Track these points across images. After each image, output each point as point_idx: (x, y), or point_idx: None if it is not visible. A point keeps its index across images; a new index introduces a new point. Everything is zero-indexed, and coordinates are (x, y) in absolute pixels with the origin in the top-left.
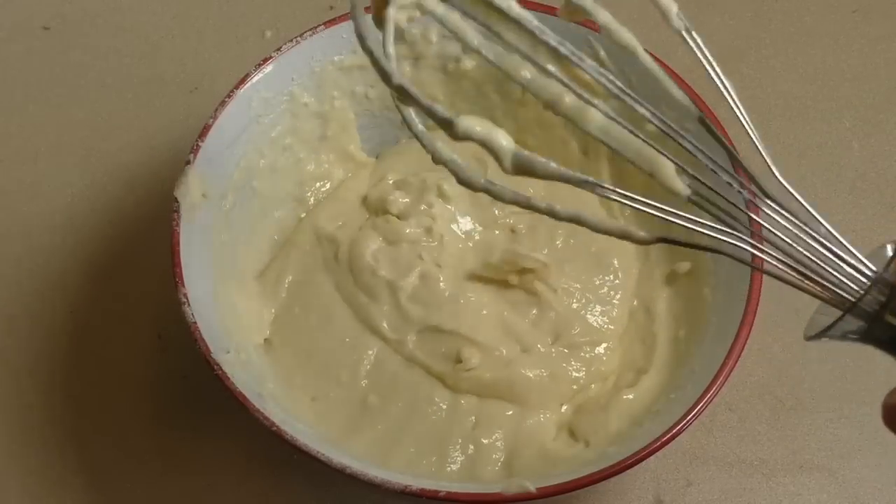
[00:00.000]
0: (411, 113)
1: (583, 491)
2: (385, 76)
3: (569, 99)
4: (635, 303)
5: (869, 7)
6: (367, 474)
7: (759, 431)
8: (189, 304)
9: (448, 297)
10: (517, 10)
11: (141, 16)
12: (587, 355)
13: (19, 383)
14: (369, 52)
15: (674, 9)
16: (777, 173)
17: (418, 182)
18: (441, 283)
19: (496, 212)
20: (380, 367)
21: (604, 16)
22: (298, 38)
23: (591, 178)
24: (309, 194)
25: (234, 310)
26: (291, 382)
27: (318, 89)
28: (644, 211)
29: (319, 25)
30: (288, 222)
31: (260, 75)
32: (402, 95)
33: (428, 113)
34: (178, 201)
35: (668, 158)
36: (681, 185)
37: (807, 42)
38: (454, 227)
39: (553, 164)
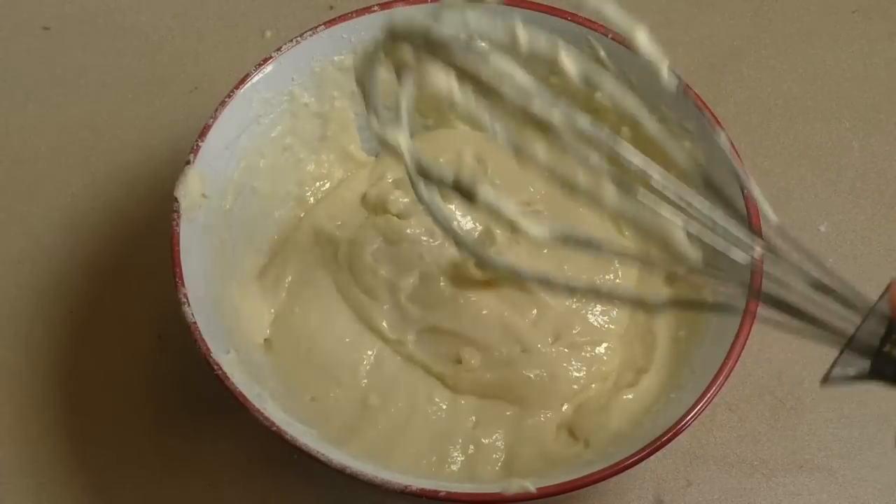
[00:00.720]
0: (421, 187)
1: (583, 491)
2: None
3: (585, 179)
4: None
5: (869, 7)
6: (367, 474)
7: (759, 431)
8: (189, 304)
9: (448, 296)
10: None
11: (141, 16)
12: (587, 355)
13: (19, 383)
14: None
15: (665, 66)
16: (771, 215)
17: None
18: (441, 283)
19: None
20: (380, 367)
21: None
22: (298, 38)
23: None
24: (309, 194)
25: (234, 310)
26: (291, 382)
27: (318, 89)
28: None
29: (319, 25)
30: (288, 222)
31: (260, 75)
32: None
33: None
34: (178, 201)
35: (677, 226)
36: (692, 253)
37: (807, 42)
38: (454, 226)
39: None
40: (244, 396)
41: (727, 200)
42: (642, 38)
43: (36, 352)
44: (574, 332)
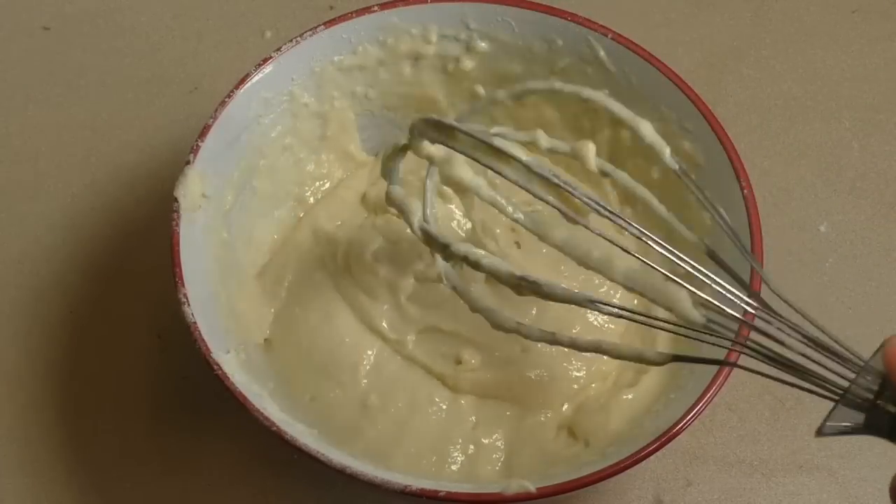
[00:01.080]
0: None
1: (583, 491)
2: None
3: (596, 254)
4: (635, 302)
5: (869, 7)
6: (367, 474)
7: (759, 431)
8: (189, 304)
9: (448, 296)
10: (512, 151)
11: (141, 16)
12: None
13: (19, 383)
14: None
15: (666, 151)
16: (770, 283)
17: (418, 181)
18: (441, 283)
19: (496, 211)
20: (380, 367)
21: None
22: (298, 38)
23: (594, 297)
24: (309, 194)
25: (234, 310)
26: (291, 382)
27: (318, 89)
28: (646, 324)
29: (319, 25)
30: (288, 222)
31: (260, 75)
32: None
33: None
34: (178, 201)
35: (684, 287)
36: (697, 316)
37: (807, 42)
38: (454, 226)
39: (559, 288)
40: (244, 396)
41: (727, 267)
42: (646, 129)
43: (36, 352)
44: (574, 331)
